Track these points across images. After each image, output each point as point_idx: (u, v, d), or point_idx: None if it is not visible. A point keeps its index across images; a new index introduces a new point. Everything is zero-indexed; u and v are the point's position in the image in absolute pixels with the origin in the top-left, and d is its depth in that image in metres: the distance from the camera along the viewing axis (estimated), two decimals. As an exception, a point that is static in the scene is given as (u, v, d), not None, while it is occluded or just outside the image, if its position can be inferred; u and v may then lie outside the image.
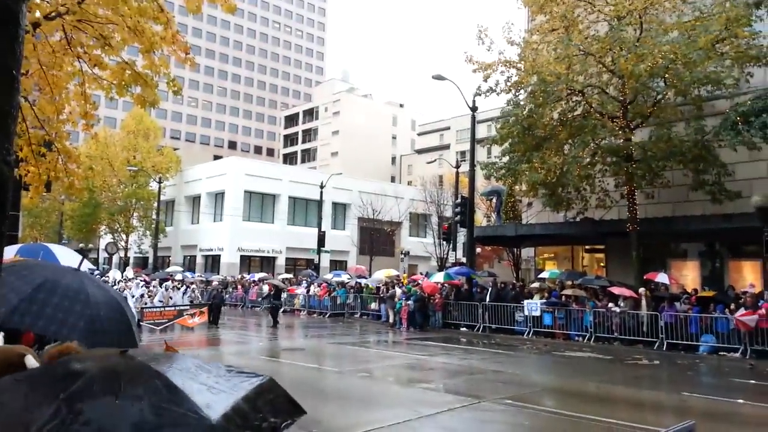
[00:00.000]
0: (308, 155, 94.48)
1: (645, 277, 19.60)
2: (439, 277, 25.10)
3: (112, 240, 47.64)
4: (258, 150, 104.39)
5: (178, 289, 25.78)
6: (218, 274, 39.52)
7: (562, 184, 20.88)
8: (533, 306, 21.05)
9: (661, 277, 19.43)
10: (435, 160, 48.57)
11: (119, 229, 51.01)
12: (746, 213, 18.06)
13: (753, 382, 12.78)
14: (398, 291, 24.96)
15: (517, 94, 22.24)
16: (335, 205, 50.74)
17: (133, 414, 1.61)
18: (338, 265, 47.97)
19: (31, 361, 2.42)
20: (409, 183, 72.27)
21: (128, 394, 1.66)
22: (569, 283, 21.95)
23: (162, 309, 22.01)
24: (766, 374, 13.84)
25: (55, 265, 5.49)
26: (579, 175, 19.94)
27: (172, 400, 1.69)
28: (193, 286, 27.83)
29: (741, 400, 10.50)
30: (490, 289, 23.72)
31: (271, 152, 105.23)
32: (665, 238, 22.51)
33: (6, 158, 2.84)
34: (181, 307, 22.54)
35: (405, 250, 50.18)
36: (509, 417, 9.07)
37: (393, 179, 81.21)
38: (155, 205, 47.62)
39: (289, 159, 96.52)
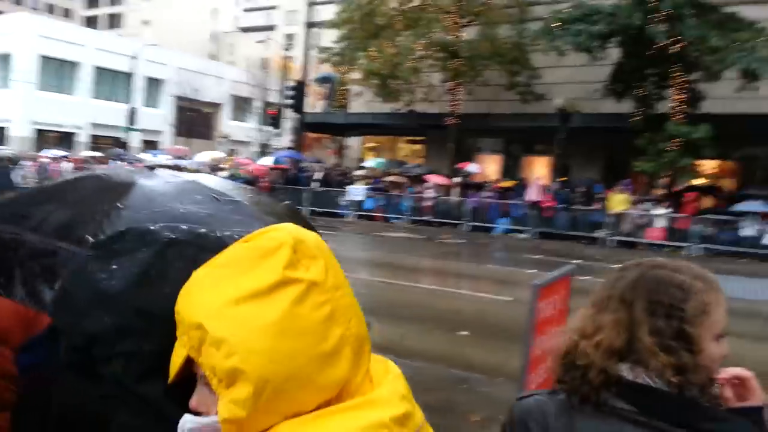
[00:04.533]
0: (115, 21, 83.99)
1: (457, 166, 21.55)
2: (268, 160, 25.01)
3: None
4: (50, 9, 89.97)
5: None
6: (6, 147, 34.78)
7: (395, 76, 21.56)
8: (357, 191, 22.17)
9: (472, 167, 21.54)
10: (264, 41, 46.36)
11: None
12: (547, 114, 20.44)
13: (540, 256, 15.21)
14: (223, 174, 24.42)
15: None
16: (149, 80, 46.53)
17: None
18: (151, 146, 44.96)
19: None
20: (231, 64, 68.43)
21: None
22: (390, 171, 23.38)
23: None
24: (549, 251, 16.47)
25: None
26: (411, 67, 20.73)
27: None
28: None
29: (535, 270, 12.54)
30: (316, 174, 24.32)
31: (67, 13, 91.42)
32: (478, 134, 24.67)
33: None
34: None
35: (225, 134, 48.49)
36: (344, 285, 9.84)
37: (213, 58, 76.03)
38: None
39: (90, 23, 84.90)
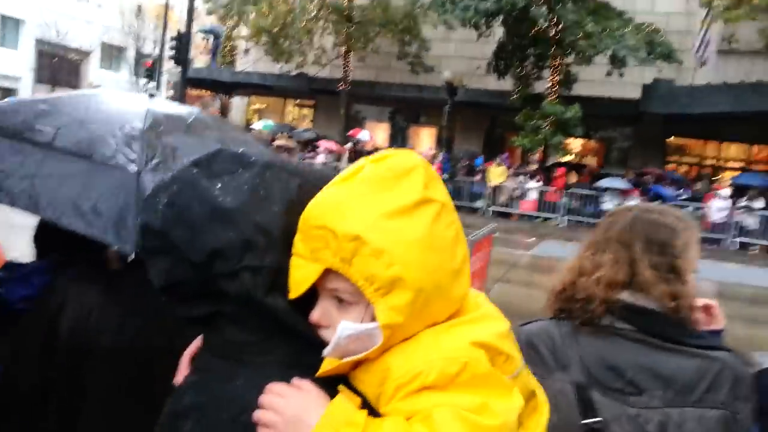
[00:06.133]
0: (-42, -54, 73.55)
1: (348, 134, 21.66)
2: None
3: None
4: None
5: None
6: None
7: (286, 35, 21.03)
8: (244, 154, 21.56)
9: (363, 134, 21.75)
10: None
11: None
12: (435, 86, 21.04)
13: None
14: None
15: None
16: (5, 18, 41.61)
17: None
18: (8, 94, 40.51)
19: None
20: (99, 7, 62.69)
21: None
22: (281, 134, 22.96)
23: None
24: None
25: None
26: (304, 27, 20.32)
27: None
28: None
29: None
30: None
31: None
32: (366, 101, 24.86)
33: None
34: None
35: (94, 84, 44.73)
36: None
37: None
38: None
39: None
